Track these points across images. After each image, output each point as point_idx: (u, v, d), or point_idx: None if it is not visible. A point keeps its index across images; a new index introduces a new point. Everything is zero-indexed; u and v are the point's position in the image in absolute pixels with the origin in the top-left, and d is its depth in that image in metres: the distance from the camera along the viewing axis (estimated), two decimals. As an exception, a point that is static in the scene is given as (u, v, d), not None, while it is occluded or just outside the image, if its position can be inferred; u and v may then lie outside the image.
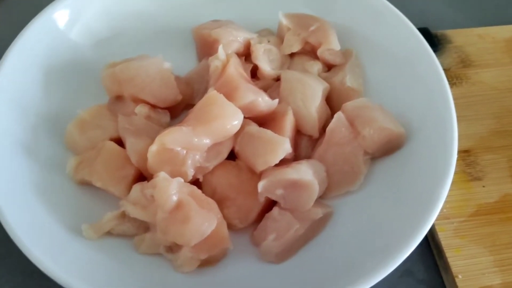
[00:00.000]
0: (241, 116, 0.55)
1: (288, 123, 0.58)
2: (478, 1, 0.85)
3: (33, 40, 0.61)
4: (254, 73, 0.66)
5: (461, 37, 0.77)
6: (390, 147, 0.59)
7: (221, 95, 0.55)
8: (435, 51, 0.71)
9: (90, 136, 0.58)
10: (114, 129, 0.58)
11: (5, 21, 0.77)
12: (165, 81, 0.60)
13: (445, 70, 0.66)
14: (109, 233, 0.54)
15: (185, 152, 0.54)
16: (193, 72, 0.66)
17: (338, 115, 0.59)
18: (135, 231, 0.54)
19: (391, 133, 0.58)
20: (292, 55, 0.67)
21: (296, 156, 0.60)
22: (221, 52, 0.60)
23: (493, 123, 0.68)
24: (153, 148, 0.53)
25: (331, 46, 0.64)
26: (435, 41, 0.76)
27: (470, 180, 0.63)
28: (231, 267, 0.54)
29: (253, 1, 0.72)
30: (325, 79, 0.64)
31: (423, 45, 0.64)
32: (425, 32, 0.75)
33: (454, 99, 0.59)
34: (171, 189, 0.50)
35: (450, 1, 0.85)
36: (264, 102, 0.58)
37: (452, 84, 0.71)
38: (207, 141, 0.54)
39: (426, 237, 0.60)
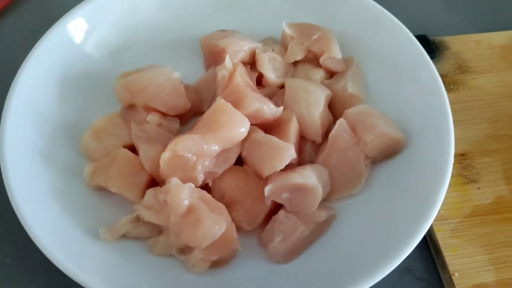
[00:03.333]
0: (248, 124, 0.58)
1: (293, 130, 0.61)
2: (475, 7, 0.87)
3: (48, 52, 0.64)
4: (259, 81, 0.68)
5: (459, 44, 0.79)
6: (390, 152, 0.62)
7: (229, 104, 0.58)
8: (433, 57, 0.74)
9: (105, 144, 0.61)
10: (128, 137, 0.61)
11: (17, 28, 0.80)
12: (175, 90, 0.63)
13: (443, 76, 0.68)
14: (124, 236, 0.57)
15: (195, 158, 0.56)
16: (201, 80, 0.69)
17: (341, 122, 0.61)
18: (149, 234, 0.57)
19: (391, 138, 0.61)
20: (295, 63, 0.70)
21: (300, 161, 0.63)
22: (228, 62, 0.63)
23: (488, 127, 0.71)
24: (166, 155, 0.55)
25: (333, 55, 0.67)
26: (433, 48, 0.78)
27: (467, 182, 0.66)
28: (240, 267, 0.57)
29: (257, 11, 0.75)
30: (328, 86, 0.67)
31: (421, 52, 0.67)
32: (424, 39, 0.78)
33: (452, 104, 0.62)
34: (183, 194, 0.53)
35: (448, 7, 0.87)
36: (269, 110, 0.61)
37: (449, 89, 0.73)
38: (216, 148, 0.57)
39: (424, 237, 0.63)
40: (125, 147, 0.61)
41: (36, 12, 0.81)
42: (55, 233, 0.54)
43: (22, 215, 0.53)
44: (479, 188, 0.65)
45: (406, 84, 0.67)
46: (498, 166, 0.67)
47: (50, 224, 0.54)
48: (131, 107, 0.64)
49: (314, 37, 0.69)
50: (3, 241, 0.61)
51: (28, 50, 0.63)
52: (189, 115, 0.67)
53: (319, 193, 0.57)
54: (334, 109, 0.67)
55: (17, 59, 0.64)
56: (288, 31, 0.70)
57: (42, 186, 0.57)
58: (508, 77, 0.76)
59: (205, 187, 0.58)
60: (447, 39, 0.80)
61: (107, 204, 0.60)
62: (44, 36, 0.64)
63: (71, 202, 0.58)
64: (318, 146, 0.64)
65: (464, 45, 0.79)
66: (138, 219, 0.56)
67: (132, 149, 0.60)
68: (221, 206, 0.56)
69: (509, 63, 0.77)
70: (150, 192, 0.56)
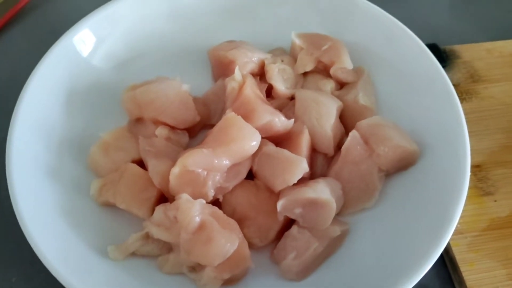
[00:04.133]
0: (259, 137, 0.56)
1: (304, 142, 0.60)
2: (485, 15, 0.86)
3: (55, 65, 0.62)
4: (269, 92, 0.67)
5: (470, 52, 0.78)
6: (404, 164, 0.61)
7: (239, 117, 0.57)
8: (444, 66, 0.72)
9: (113, 159, 0.59)
10: (136, 151, 0.60)
11: (23, 41, 0.79)
12: (184, 103, 0.62)
13: (454, 85, 0.66)
14: (133, 254, 0.55)
15: (205, 173, 0.55)
16: (209, 93, 0.68)
17: (353, 134, 0.60)
18: (159, 251, 0.55)
19: (405, 150, 0.59)
20: (305, 74, 0.69)
21: (312, 174, 0.61)
22: (237, 74, 0.62)
23: (503, 138, 0.69)
24: (175, 170, 0.54)
25: (343, 65, 0.66)
26: (443, 57, 0.77)
27: (482, 195, 0.64)
28: (252, 285, 0.55)
29: (265, 21, 0.74)
30: (338, 97, 0.66)
31: (433, 62, 0.66)
32: (434, 48, 0.76)
33: (465, 114, 0.61)
34: (194, 210, 0.52)
35: (457, 15, 0.86)
36: (280, 122, 0.59)
37: (462, 99, 0.72)
38: (226, 162, 0.56)
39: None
40: (133, 161, 0.59)
41: (41, 23, 0.80)
42: (62, 251, 0.52)
43: (28, 232, 0.51)
44: (495, 201, 0.64)
45: (418, 95, 0.66)
46: (514, 177, 0.66)
47: (57, 242, 0.53)
48: (139, 120, 0.63)
49: (324, 47, 0.68)
50: (9, 260, 0.60)
51: (34, 62, 0.62)
52: (198, 128, 0.66)
53: (333, 208, 0.55)
54: (345, 121, 0.65)
55: (23, 72, 0.63)
56: (297, 41, 0.69)
57: (49, 202, 0.56)
58: (521, 86, 0.74)
59: (215, 202, 0.57)
60: (458, 47, 0.79)
61: (115, 220, 0.58)
62: (50, 49, 0.63)
63: (78, 218, 0.57)
64: (330, 159, 0.63)
65: (475, 53, 0.78)
66: (147, 237, 0.55)
67: (141, 163, 0.59)
68: (233, 223, 0.54)
69: (521, 72, 0.76)
70: (160, 208, 0.54)
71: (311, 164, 0.61)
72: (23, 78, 0.61)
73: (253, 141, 0.56)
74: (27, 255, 0.58)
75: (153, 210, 0.55)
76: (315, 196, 0.55)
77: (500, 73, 0.76)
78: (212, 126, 0.60)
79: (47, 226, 0.54)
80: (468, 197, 0.60)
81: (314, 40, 0.69)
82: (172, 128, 0.62)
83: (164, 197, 0.58)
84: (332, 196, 0.56)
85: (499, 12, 0.87)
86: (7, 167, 0.54)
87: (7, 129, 0.57)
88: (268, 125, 0.59)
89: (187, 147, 0.62)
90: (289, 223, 0.58)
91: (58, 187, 0.58)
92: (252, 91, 0.61)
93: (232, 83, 0.62)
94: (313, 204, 0.55)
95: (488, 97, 0.73)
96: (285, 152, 0.58)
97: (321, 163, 0.63)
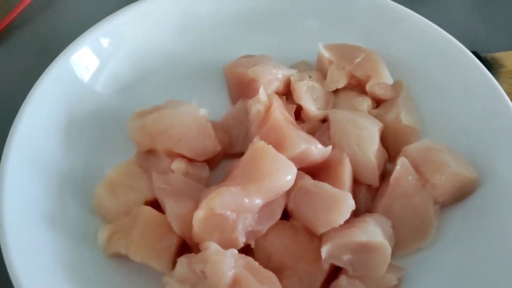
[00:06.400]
0: (295, 170, 0.48)
1: (346, 173, 0.51)
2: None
3: (51, 91, 0.55)
4: (297, 114, 0.59)
5: (513, 60, 0.70)
6: (461, 194, 0.53)
7: (270, 147, 0.48)
8: (488, 77, 0.64)
9: (122, 200, 0.51)
10: (149, 190, 0.51)
11: (11, 62, 0.69)
12: (203, 131, 0.53)
13: (504, 99, 0.59)
14: (152, 316, 0.46)
15: (235, 216, 0.47)
16: (229, 117, 0.59)
17: (403, 161, 0.52)
18: (183, 312, 0.46)
19: (464, 178, 0.52)
20: (336, 91, 0.61)
21: (355, 210, 0.53)
22: (262, 94, 0.54)
23: None
24: (200, 214, 0.46)
25: (382, 79, 0.58)
26: (486, 66, 0.68)
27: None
28: None
29: (284, 33, 0.66)
30: (376, 116, 0.58)
31: (483, 73, 0.59)
32: (475, 57, 0.68)
33: (520, 131, 0.53)
34: (226, 264, 0.44)
35: (491, 22, 0.78)
36: (317, 150, 0.51)
37: (513, 114, 0.64)
38: (258, 202, 0.47)
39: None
40: (146, 203, 0.51)
41: (31, 43, 0.70)
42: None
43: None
44: None
45: (468, 110, 0.59)
46: None
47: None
48: (150, 152, 0.54)
49: (357, 59, 0.60)
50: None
51: (24, 86, 0.54)
52: (218, 159, 0.57)
53: (388, 252, 0.47)
54: (387, 144, 0.57)
55: (13, 98, 0.56)
56: (326, 54, 0.60)
57: (48, 255, 0.48)
58: None
59: (246, 248, 0.48)
60: (500, 55, 0.71)
61: (128, 275, 0.49)
62: (45, 72, 0.55)
63: (83, 274, 0.48)
64: (374, 191, 0.54)
65: (519, 61, 0.70)
66: (169, 295, 0.46)
67: (156, 204, 0.51)
68: (272, 276, 0.46)
69: None
70: (183, 260, 0.46)
71: (353, 197, 0.52)
72: (12, 106, 0.54)
73: (288, 175, 0.48)
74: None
75: (174, 262, 0.47)
76: (366, 240, 0.47)
77: (552, 82, 0.68)
78: (233, 155, 0.53)
79: (46, 284, 0.45)
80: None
81: (345, 52, 0.61)
82: (190, 160, 0.53)
83: (186, 245, 0.49)
84: (384, 237, 0.47)
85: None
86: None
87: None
88: (303, 154, 0.50)
89: (208, 182, 0.54)
90: (335, 271, 0.49)
91: (59, 235, 0.49)
92: (282, 114, 0.52)
93: (257, 106, 0.53)
94: (364, 249, 0.47)
95: (543, 111, 0.65)
96: (325, 186, 0.49)
97: (365, 196, 0.54)
